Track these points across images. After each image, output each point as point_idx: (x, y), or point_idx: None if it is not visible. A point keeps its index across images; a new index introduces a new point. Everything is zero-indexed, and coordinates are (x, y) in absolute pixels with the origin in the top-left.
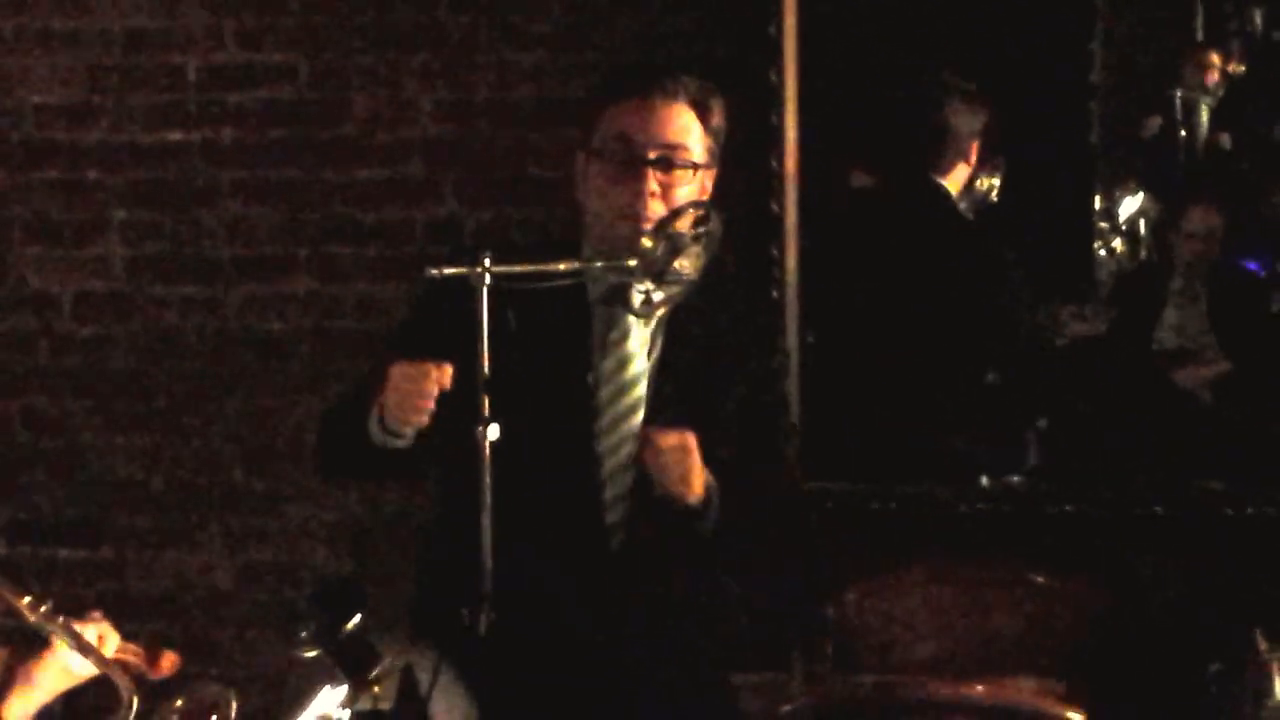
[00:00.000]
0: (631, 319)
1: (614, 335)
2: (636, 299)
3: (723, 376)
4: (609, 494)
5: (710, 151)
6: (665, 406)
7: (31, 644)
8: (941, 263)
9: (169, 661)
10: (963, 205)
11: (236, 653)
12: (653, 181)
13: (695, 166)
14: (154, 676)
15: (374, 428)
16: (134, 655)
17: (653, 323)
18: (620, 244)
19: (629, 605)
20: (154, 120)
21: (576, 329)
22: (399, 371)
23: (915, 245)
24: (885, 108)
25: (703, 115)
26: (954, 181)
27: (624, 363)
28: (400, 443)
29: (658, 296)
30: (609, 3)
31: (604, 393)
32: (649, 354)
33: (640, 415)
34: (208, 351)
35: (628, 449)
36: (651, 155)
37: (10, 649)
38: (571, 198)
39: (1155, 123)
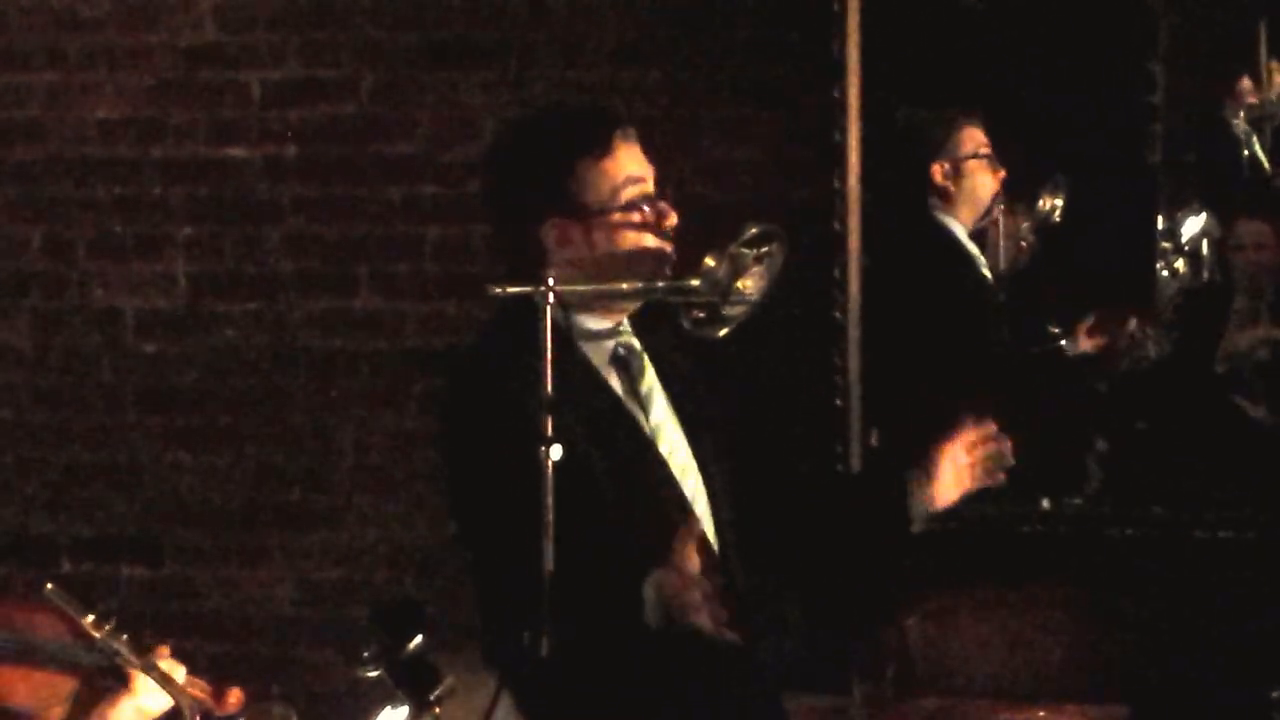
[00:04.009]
0: (651, 376)
1: (644, 388)
2: (695, 319)
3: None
4: (710, 534)
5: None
6: (703, 432)
7: (104, 679)
8: (944, 289)
9: (235, 698)
10: (1024, 228)
11: (298, 672)
12: (673, 216)
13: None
14: (220, 713)
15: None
16: (200, 691)
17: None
18: (680, 290)
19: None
20: (217, 136)
21: (607, 395)
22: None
23: (922, 272)
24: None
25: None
26: (945, 204)
27: (664, 409)
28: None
29: (724, 314)
30: (671, 20)
31: (664, 443)
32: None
33: (689, 451)
34: (270, 368)
35: (701, 488)
36: (656, 190)
37: (81, 682)
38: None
39: (1220, 120)
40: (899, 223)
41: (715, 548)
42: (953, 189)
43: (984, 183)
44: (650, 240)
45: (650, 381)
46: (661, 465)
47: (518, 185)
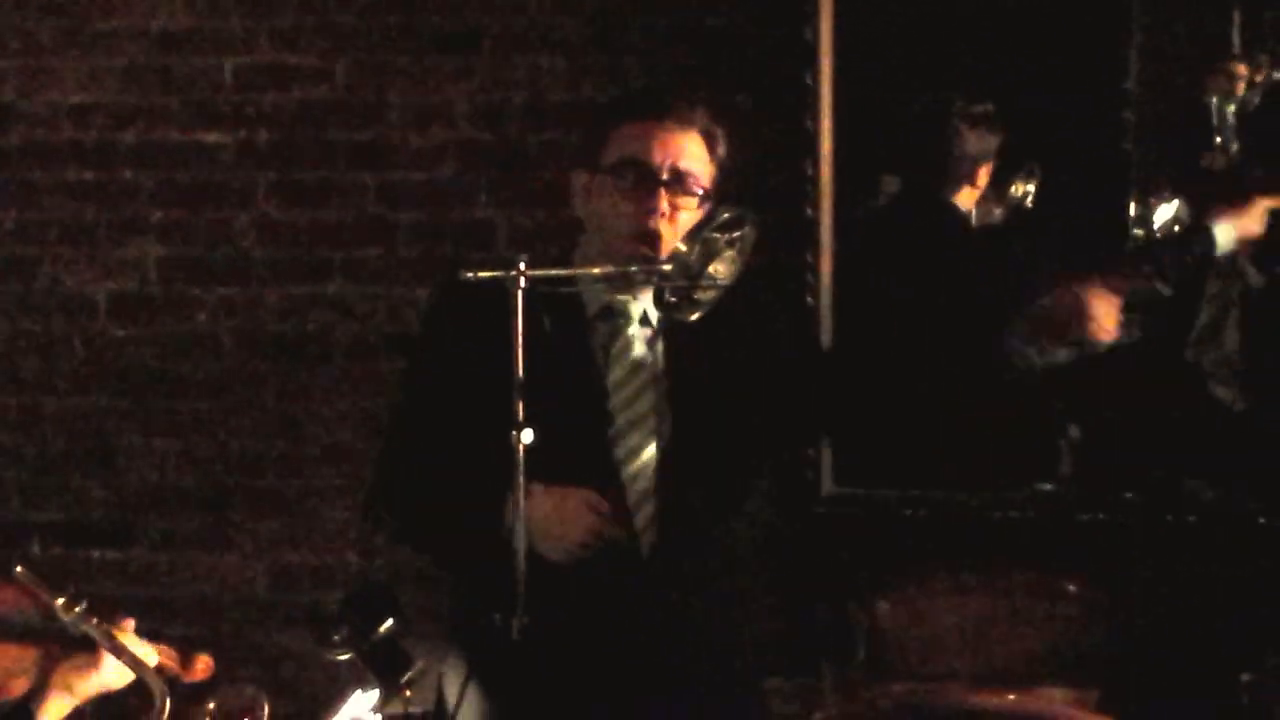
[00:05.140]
0: (633, 330)
1: (617, 347)
2: (668, 302)
3: (743, 358)
4: (631, 498)
5: (713, 182)
6: (687, 408)
7: (68, 649)
8: (955, 278)
9: (202, 664)
10: (996, 213)
11: (269, 656)
12: (664, 202)
13: (704, 194)
14: (188, 680)
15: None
16: (168, 659)
17: (655, 331)
18: (625, 261)
19: (661, 610)
20: (189, 121)
21: (579, 343)
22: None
23: (929, 260)
24: (899, 123)
25: (710, 145)
26: (962, 201)
27: (631, 372)
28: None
29: (695, 297)
30: (644, 6)
31: (615, 401)
32: (656, 361)
33: (652, 421)
34: (241, 353)
35: (645, 454)
36: (665, 177)
37: (44, 651)
38: (569, 213)
39: (1193, 107)
40: (908, 202)
41: (644, 509)
42: (980, 191)
43: (983, 171)
44: (625, 215)
45: (625, 342)
46: (592, 411)
47: (580, 138)
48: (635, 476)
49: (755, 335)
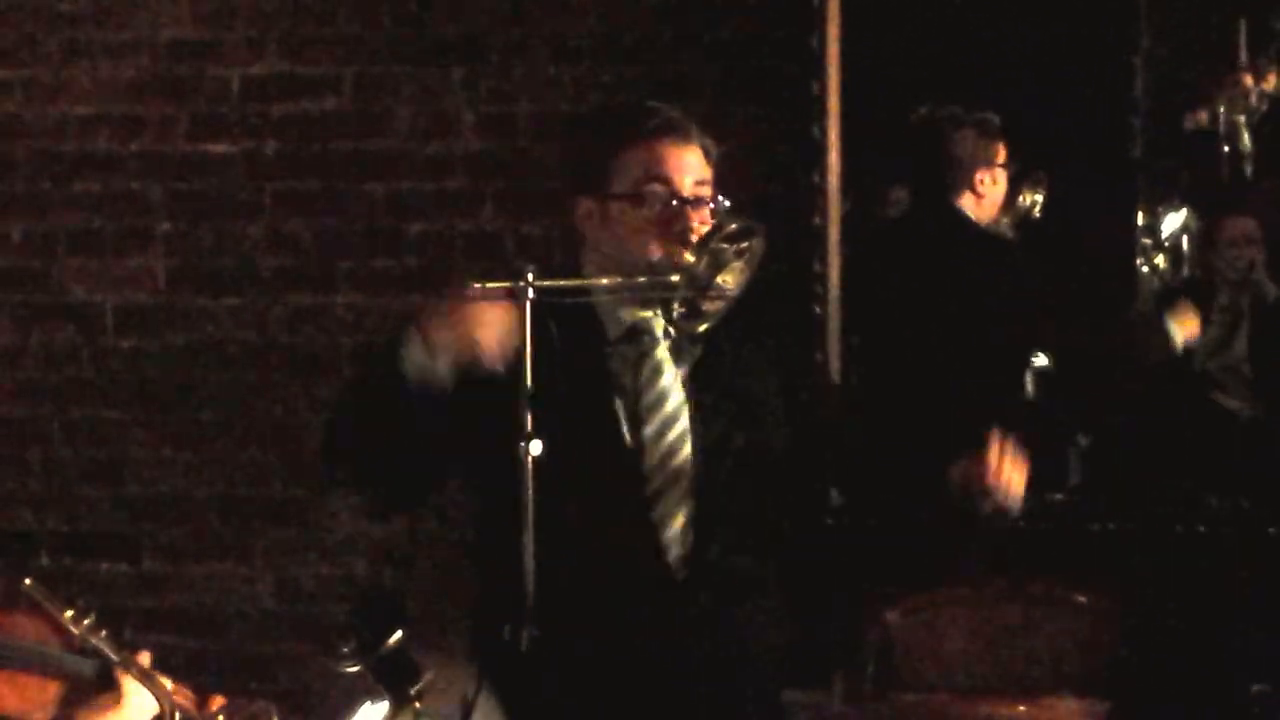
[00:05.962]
0: (661, 353)
1: (647, 370)
2: (676, 314)
3: (762, 381)
4: (668, 533)
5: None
6: (711, 434)
7: (91, 689)
8: (964, 284)
9: (217, 705)
10: (1004, 223)
11: (278, 668)
12: (695, 221)
13: (718, 206)
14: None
15: (414, 359)
16: (184, 698)
17: (680, 354)
18: (659, 286)
19: (676, 622)
20: (197, 132)
21: (601, 371)
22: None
23: (938, 267)
24: (899, 129)
25: (708, 156)
26: (965, 208)
27: (662, 398)
28: (440, 375)
29: (703, 309)
30: (651, 16)
31: (653, 423)
32: (680, 384)
33: (688, 447)
34: (249, 364)
35: (683, 483)
36: (691, 196)
37: (67, 688)
38: (572, 241)
39: (1201, 116)
40: (917, 210)
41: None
42: (980, 198)
43: (999, 184)
44: (652, 237)
45: (657, 364)
46: (621, 439)
47: (570, 162)
48: (672, 507)
49: (763, 357)
